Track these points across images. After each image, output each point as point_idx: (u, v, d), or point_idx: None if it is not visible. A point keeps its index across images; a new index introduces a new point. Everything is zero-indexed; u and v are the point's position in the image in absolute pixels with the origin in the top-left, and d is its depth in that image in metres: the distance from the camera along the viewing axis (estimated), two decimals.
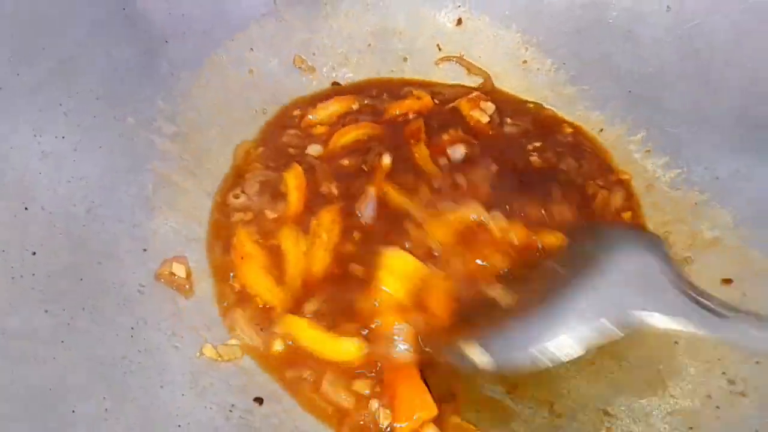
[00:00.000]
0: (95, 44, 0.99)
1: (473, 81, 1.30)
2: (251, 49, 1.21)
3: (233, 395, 0.86)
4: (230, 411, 0.84)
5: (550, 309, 0.86)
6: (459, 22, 1.30)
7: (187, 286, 0.95)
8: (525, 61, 1.29)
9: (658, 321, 0.83)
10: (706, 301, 0.84)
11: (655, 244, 0.94)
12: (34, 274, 0.82)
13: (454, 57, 1.29)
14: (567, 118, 1.26)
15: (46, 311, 0.80)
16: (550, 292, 0.89)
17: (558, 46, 1.26)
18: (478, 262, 0.98)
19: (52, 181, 0.90)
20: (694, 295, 0.85)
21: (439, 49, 1.30)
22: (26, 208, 0.86)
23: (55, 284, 0.83)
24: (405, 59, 1.31)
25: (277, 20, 1.24)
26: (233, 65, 1.18)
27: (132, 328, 0.86)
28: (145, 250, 0.95)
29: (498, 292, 0.94)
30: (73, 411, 0.73)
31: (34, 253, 0.83)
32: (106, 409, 0.75)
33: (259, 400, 0.88)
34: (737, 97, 1.11)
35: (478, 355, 0.85)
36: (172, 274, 0.95)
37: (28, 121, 0.90)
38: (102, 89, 1.00)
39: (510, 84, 1.29)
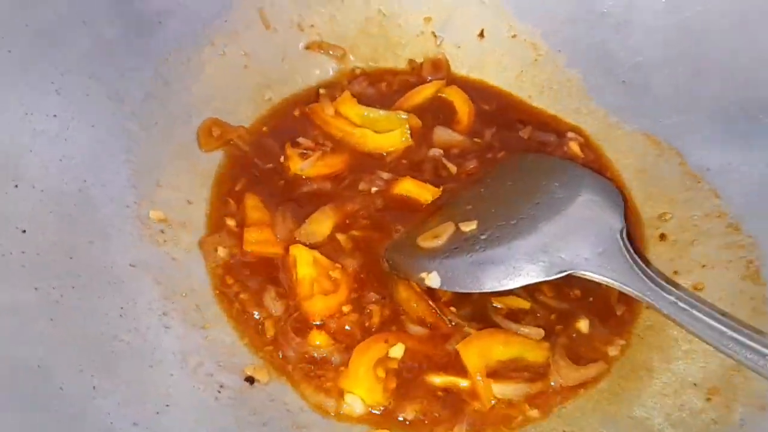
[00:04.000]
0: (85, 21, 0.99)
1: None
2: (246, 29, 1.20)
3: (223, 375, 0.86)
4: (219, 392, 0.84)
5: (502, 243, 0.96)
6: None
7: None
8: (515, 48, 1.29)
9: (598, 279, 0.94)
10: (651, 272, 0.94)
11: (617, 202, 1.03)
12: (24, 252, 0.82)
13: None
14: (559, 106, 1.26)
15: (36, 288, 0.80)
16: (508, 219, 1.00)
17: (551, 34, 1.25)
18: None
19: (43, 159, 0.90)
20: (642, 264, 0.95)
21: (434, 36, 1.29)
22: (16, 186, 0.86)
23: (45, 262, 0.83)
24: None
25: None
26: (227, 46, 1.17)
27: (122, 308, 0.86)
28: (136, 230, 0.95)
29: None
30: (61, 388, 0.73)
31: (24, 231, 0.83)
32: (93, 387, 0.75)
33: (249, 380, 0.88)
34: (732, 88, 1.10)
35: (431, 280, 0.96)
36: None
37: (19, 99, 0.91)
38: (94, 68, 1.00)
39: (501, 73, 1.28)
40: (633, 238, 1.09)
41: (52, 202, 0.88)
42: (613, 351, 0.99)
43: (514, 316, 1.00)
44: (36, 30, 0.93)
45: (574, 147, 1.19)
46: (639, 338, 1.01)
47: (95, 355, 0.78)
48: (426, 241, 1.00)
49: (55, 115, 0.93)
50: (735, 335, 0.86)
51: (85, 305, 0.83)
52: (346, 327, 0.96)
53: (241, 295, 0.97)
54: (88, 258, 0.87)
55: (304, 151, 1.12)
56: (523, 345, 0.96)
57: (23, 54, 0.92)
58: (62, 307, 0.80)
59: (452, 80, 1.27)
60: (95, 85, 0.99)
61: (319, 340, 0.94)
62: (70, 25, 0.97)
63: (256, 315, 0.96)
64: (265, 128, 1.17)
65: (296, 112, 1.20)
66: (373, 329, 0.96)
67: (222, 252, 1.00)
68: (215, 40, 1.16)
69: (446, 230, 1.00)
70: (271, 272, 1.01)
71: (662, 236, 1.10)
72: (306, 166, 1.10)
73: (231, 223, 1.04)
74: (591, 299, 1.03)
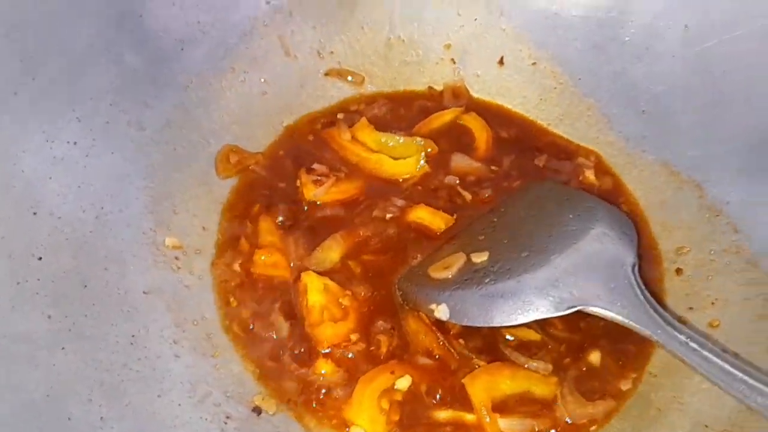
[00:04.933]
0: (109, 50, 1.01)
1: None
2: (267, 56, 1.21)
3: (230, 405, 0.88)
4: (225, 423, 0.85)
5: (513, 277, 0.96)
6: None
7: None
8: (535, 75, 1.28)
9: (609, 316, 0.92)
10: (662, 310, 0.93)
11: (631, 236, 1.01)
12: (39, 279, 0.84)
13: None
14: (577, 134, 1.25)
15: (49, 317, 0.82)
16: (520, 251, 0.99)
17: (572, 62, 1.25)
18: None
19: (62, 186, 0.92)
20: (654, 302, 0.93)
21: (453, 62, 1.29)
22: (35, 213, 0.88)
23: (59, 289, 0.85)
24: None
25: (293, 26, 1.24)
26: (248, 73, 1.19)
27: (133, 336, 0.87)
28: (151, 257, 0.97)
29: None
30: (69, 418, 0.75)
31: (40, 258, 0.85)
32: (101, 417, 0.77)
33: (257, 410, 0.89)
34: (753, 120, 1.09)
35: (440, 312, 0.95)
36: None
37: (40, 126, 0.93)
38: (116, 95, 1.02)
39: (521, 101, 1.28)
40: (648, 271, 1.08)
41: (68, 228, 0.90)
42: (625, 385, 0.98)
43: (525, 348, 0.99)
44: (59, 58, 0.95)
45: (590, 176, 1.18)
46: (651, 376, 1.00)
47: (104, 385, 0.80)
48: (436, 272, 1.00)
49: (75, 143, 0.96)
50: (746, 378, 0.84)
51: (97, 333, 0.84)
52: (351, 355, 0.96)
53: (247, 317, 0.99)
54: (102, 285, 0.89)
55: (318, 178, 1.12)
56: (530, 379, 0.96)
57: (46, 82, 0.94)
58: (74, 335, 0.82)
59: (472, 105, 1.27)
60: (116, 113, 1.01)
61: (325, 368, 0.94)
62: (94, 54, 0.99)
63: (262, 336, 0.98)
64: (281, 152, 1.19)
65: (310, 137, 1.21)
66: (380, 359, 0.96)
67: (232, 270, 1.02)
68: (236, 66, 1.17)
69: (456, 261, 1.00)
70: (280, 296, 1.02)
71: (678, 270, 1.08)
72: (320, 193, 1.11)
73: (244, 243, 1.05)
74: (603, 331, 1.01)
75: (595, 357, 0.99)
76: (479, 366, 0.96)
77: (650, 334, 0.90)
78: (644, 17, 1.19)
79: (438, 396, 0.95)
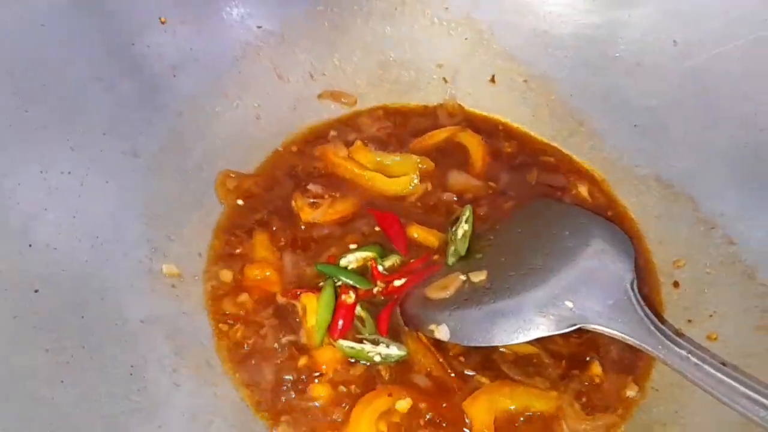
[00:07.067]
0: (101, 79, 1.01)
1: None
2: (259, 80, 1.22)
3: None
4: None
5: (512, 296, 0.96)
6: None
7: None
8: (527, 93, 1.29)
9: (609, 332, 0.92)
10: (662, 325, 0.92)
11: (628, 251, 1.01)
12: (35, 312, 0.83)
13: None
14: (570, 150, 1.26)
15: (47, 350, 0.81)
16: (518, 269, 1.00)
17: (564, 78, 1.25)
18: None
19: (57, 216, 0.92)
20: (653, 317, 0.93)
21: (445, 82, 1.29)
22: (30, 246, 0.87)
23: (57, 322, 0.84)
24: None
25: (285, 49, 1.24)
26: (240, 98, 1.19)
27: (132, 366, 0.87)
28: (149, 285, 0.96)
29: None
30: None
31: (37, 291, 0.85)
32: None
33: None
34: (743, 133, 1.09)
35: (440, 332, 0.96)
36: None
37: (35, 157, 0.92)
38: (109, 124, 1.02)
39: (513, 118, 1.29)
40: (646, 285, 1.09)
41: (64, 260, 0.89)
42: (630, 392, 0.98)
43: (524, 363, 0.99)
44: (52, 89, 0.95)
45: (583, 191, 1.19)
46: (654, 390, 1.00)
47: (105, 418, 0.79)
48: (434, 293, 1.00)
49: (69, 172, 0.95)
50: (747, 392, 0.84)
51: (96, 365, 0.84)
52: (351, 380, 0.96)
53: (242, 340, 0.99)
54: (99, 316, 0.89)
55: (314, 200, 1.12)
56: (529, 395, 0.95)
57: (40, 113, 0.94)
58: (72, 368, 0.81)
59: (467, 120, 1.28)
60: (110, 141, 1.01)
61: (323, 392, 0.94)
62: (86, 84, 0.99)
63: (259, 360, 0.97)
64: (276, 172, 1.18)
65: (303, 155, 1.21)
66: (380, 382, 0.96)
67: (225, 289, 1.02)
68: (228, 91, 1.18)
69: (454, 282, 1.00)
70: (276, 318, 1.01)
71: (676, 283, 1.09)
72: (317, 217, 1.11)
73: (237, 261, 1.06)
74: (603, 343, 1.02)
75: (596, 370, 1.00)
76: (479, 385, 0.96)
77: (651, 350, 0.90)
78: (633, 33, 1.20)
79: (437, 418, 0.94)
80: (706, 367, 0.87)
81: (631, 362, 1.02)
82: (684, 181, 1.15)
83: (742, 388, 0.84)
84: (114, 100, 1.02)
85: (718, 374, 0.86)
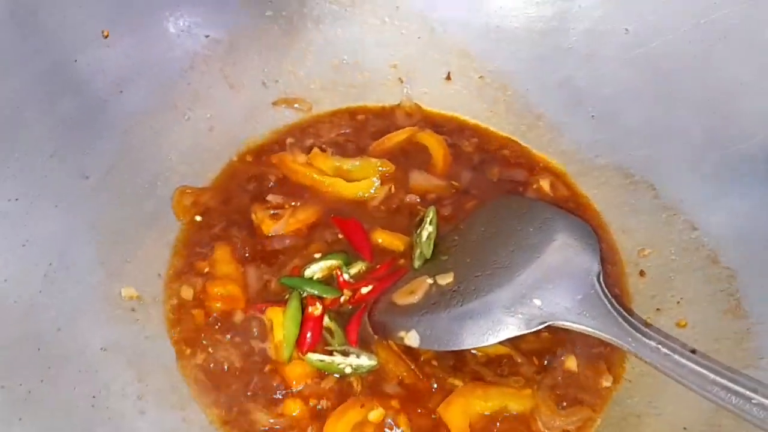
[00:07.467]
0: (41, 101, 0.97)
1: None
2: (210, 90, 1.19)
3: None
4: None
5: (479, 296, 0.95)
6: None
7: None
8: (484, 89, 1.28)
9: (579, 328, 0.92)
10: (630, 318, 0.92)
11: (593, 244, 1.00)
12: None
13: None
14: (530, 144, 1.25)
15: (2, 387, 0.78)
16: (484, 269, 0.98)
17: (518, 73, 1.25)
18: None
19: (4, 248, 0.88)
20: (621, 309, 0.93)
21: (401, 81, 1.28)
22: None
23: (12, 357, 0.81)
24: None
25: (235, 57, 1.21)
26: (191, 110, 1.16)
27: (94, 397, 0.84)
28: (106, 311, 0.93)
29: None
30: None
31: None
32: None
33: None
34: (699, 118, 1.10)
35: (410, 339, 0.94)
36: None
37: None
38: (55, 145, 0.98)
39: (470, 115, 1.28)
40: (612, 275, 1.09)
41: (15, 292, 0.86)
42: (606, 383, 0.98)
43: (495, 363, 0.99)
44: None
45: (545, 185, 1.18)
46: (627, 382, 1.00)
47: None
48: (401, 298, 0.99)
49: (16, 199, 0.91)
50: (718, 379, 0.84)
51: (56, 398, 0.81)
52: (322, 394, 0.94)
53: (207, 361, 0.96)
54: (56, 346, 0.86)
55: (275, 211, 1.10)
56: (503, 394, 0.95)
57: None
58: (31, 403, 0.78)
59: (425, 120, 1.27)
60: (56, 164, 0.97)
61: (294, 408, 0.92)
62: (26, 106, 0.95)
63: (226, 380, 0.95)
64: (232, 183, 1.16)
65: (260, 164, 1.19)
66: (351, 393, 0.95)
67: (183, 296, 1.01)
68: (178, 104, 1.15)
69: (421, 285, 0.99)
70: (240, 334, 0.99)
71: (642, 272, 1.09)
72: (279, 229, 1.08)
73: (197, 278, 1.03)
74: (574, 337, 1.00)
75: (571, 362, 0.99)
76: (454, 386, 0.95)
77: (622, 343, 0.90)
78: (584, 24, 1.20)
79: (412, 426, 0.93)
80: (676, 356, 0.87)
81: (604, 352, 1.02)
82: (643, 169, 1.15)
83: (713, 376, 0.85)
84: (57, 122, 0.98)
85: (689, 363, 0.86)
